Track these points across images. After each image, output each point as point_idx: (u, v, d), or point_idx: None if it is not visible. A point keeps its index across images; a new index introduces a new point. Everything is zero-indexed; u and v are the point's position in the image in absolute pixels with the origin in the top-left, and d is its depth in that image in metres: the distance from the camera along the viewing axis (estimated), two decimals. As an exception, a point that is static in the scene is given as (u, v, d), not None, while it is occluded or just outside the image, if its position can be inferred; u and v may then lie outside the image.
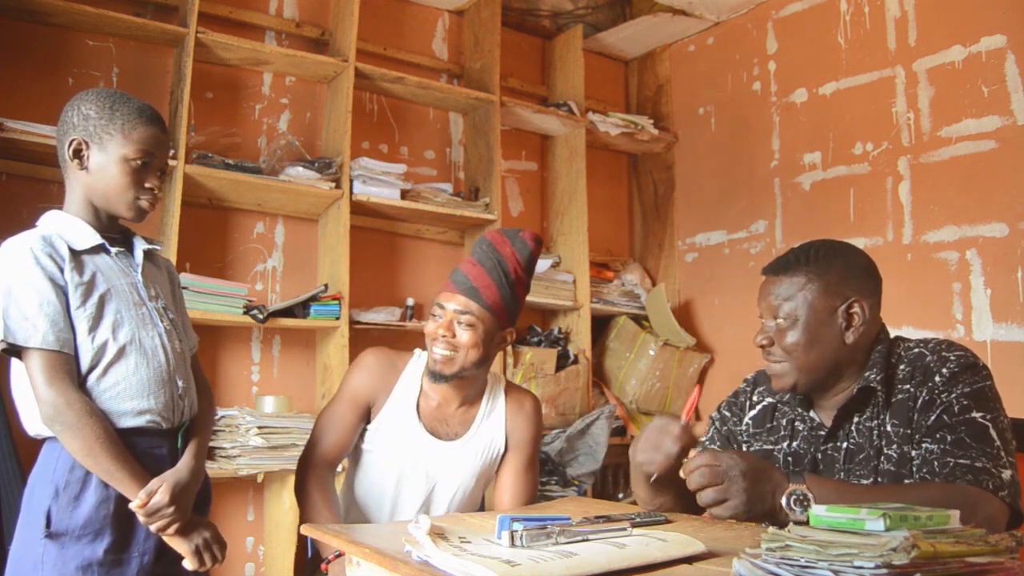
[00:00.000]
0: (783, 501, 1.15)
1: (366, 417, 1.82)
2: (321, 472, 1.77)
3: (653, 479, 1.31)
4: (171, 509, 1.36)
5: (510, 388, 1.91)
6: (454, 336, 1.72)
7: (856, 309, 1.37)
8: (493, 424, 1.85)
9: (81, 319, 1.38)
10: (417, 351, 1.88)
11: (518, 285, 1.77)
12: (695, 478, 1.18)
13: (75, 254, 1.41)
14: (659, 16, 3.61)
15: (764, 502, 1.16)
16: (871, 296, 1.40)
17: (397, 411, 1.80)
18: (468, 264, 1.75)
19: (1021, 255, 2.60)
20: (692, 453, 1.25)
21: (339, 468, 1.90)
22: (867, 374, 1.37)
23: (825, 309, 1.36)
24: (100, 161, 1.44)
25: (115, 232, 1.53)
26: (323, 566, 1.64)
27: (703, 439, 1.63)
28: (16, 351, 1.36)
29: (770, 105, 3.42)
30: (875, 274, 1.43)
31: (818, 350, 1.37)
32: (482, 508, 2.04)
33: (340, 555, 1.62)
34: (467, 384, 1.80)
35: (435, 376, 1.76)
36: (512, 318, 1.78)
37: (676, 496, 1.40)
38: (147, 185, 1.47)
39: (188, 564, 1.42)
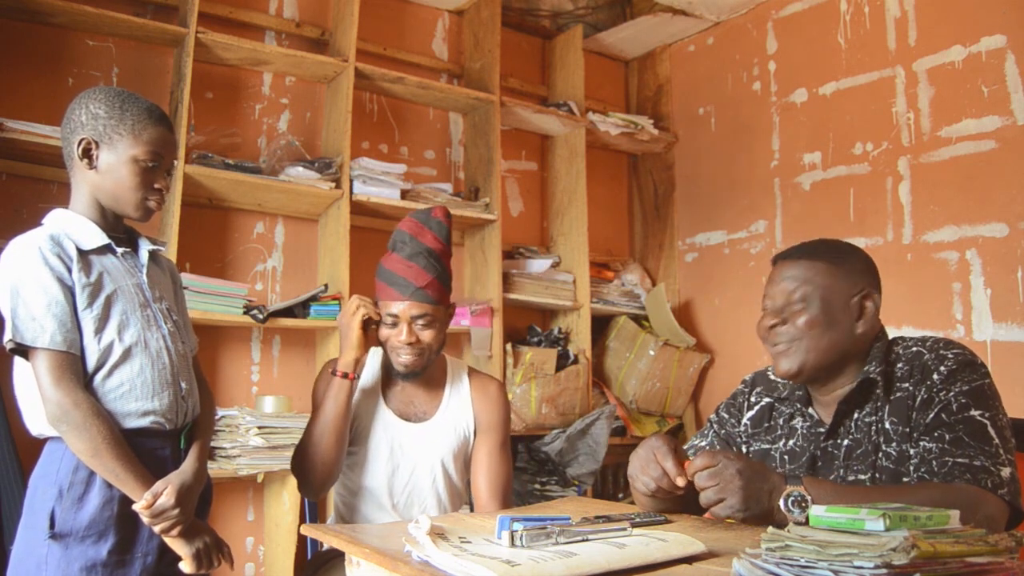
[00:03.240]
0: (781, 503, 1.15)
1: None
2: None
3: (652, 493, 1.31)
4: (176, 511, 1.37)
5: (473, 372, 1.97)
6: (417, 340, 1.77)
7: (869, 302, 1.39)
8: (460, 405, 1.90)
9: (88, 320, 1.38)
10: (373, 349, 1.94)
11: (445, 261, 1.82)
12: (698, 480, 1.19)
13: (82, 254, 1.41)
14: (659, 16, 3.61)
15: (761, 502, 1.16)
16: (879, 295, 1.42)
17: (366, 404, 1.86)
18: (401, 264, 1.77)
19: (1021, 255, 2.60)
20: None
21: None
22: (866, 367, 1.38)
23: (843, 294, 1.37)
24: (110, 161, 1.44)
25: (120, 232, 1.53)
26: (338, 373, 1.77)
27: (701, 444, 1.63)
28: (23, 351, 1.36)
29: (770, 105, 3.43)
30: (879, 277, 1.45)
31: (832, 334, 1.36)
32: (470, 505, 2.06)
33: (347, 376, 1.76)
34: (430, 368, 1.87)
35: (406, 377, 1.83)
36: (450, 292, 1.85)
37: (675, 502, 1.40)
38: (156, 186, 1.47)
39: (185, 567, 1.42)
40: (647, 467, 1.27)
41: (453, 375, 1.94)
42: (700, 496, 1.18)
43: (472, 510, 2.03)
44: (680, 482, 1.22)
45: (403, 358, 1.78)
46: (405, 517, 1.82)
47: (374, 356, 1.93)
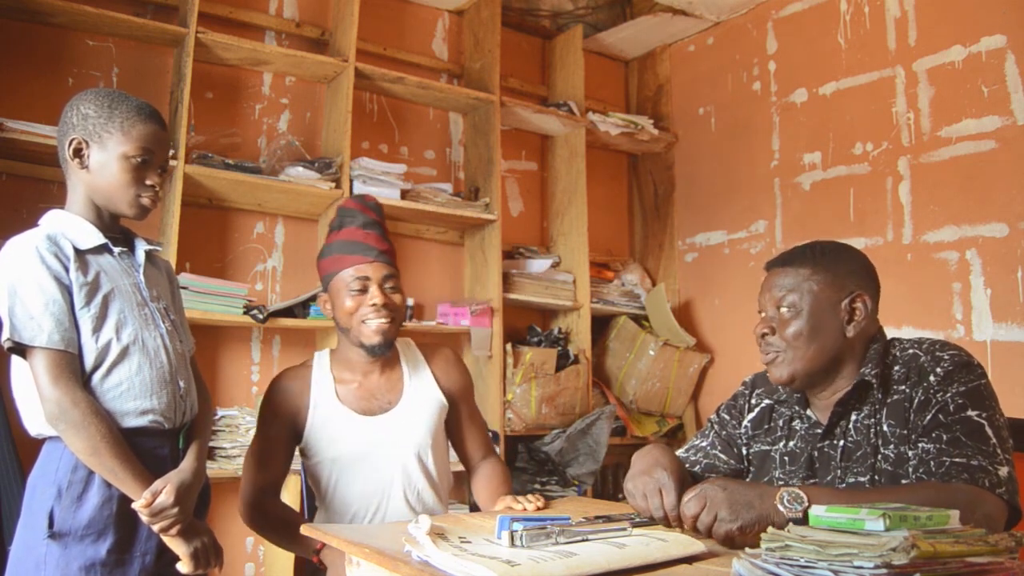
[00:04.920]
0: (777, 501, 1.15)
1: (294, 439, 1.80)
2: (264, 498, 1.78)
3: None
4: (175, 510, 1.37)
5: (423, 346, 1.93)
6: (391, 302, 1.74)
7: (859, 304, 1.39)
8: (423, 382, 1.85)
9: (85, 319, 1.38)
10: (316, 354, 1.88)
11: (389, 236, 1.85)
12: (685, 510, 1.19)
13: (79, 253, 1.41)
14: (659, 16, 3.61)
15: (752, 506, 1.16)
16: (872, 296, 1.42)
17: (324, 412, 1.77)
18: (359, 233, 1.75)
19: (1021, 255, 2.60)
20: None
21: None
22: (863, 369, 1.38)
23: (829, 300, 1.38)
24: (100, 159, 1.44)
25: (117, 232, 1.53)
26: (315, 558, 1.67)
27: (702, 443, 1.63)
28: (21, 350, 1.36)
29: (770, 105, 3.43)
30: (876, 277, 1.45)
31: (820, 341, 1.38)
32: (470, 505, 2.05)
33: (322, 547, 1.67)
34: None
35: (375, 349, 1.74)
36: None
37: None
38: (148, 182, 1.47)
39: (184, 567, 1.41)
40: (649, 498, 1.28)
41: (407, 356, 1.88)
42: (697, 525, 1.17)
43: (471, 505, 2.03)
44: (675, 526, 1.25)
45: (376, 324, 1.71)
46: (399, 509, 1.76)
47: (320, 360, 1.85)
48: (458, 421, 1.90)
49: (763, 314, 1.45)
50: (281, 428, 1.78)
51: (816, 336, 1.37)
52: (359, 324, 1.73)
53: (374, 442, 1.76)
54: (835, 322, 1.38)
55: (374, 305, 1.71)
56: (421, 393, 1.83)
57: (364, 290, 1.72)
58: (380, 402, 1.80)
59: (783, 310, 1.40)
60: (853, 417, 1.39)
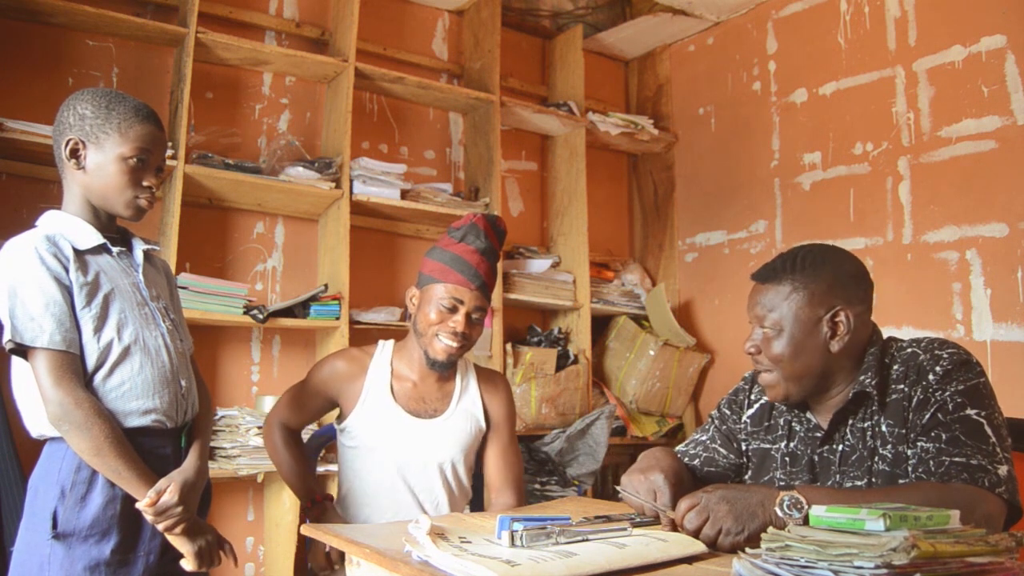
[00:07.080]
0: (776, 508, 1.15)
1: (328, 407, 1.92)
2: (284, 430, 1.94)
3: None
4: (180, 508, 1.37)
5: (477, 368, 1.99)
6: (470, 332, 1.80)
7: (841, 318, 1.36)
8: (471, 401, 1.92)
9: (86, 319, 1.38)
10: (380, 343, 1.94)
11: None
12: (687, 525, 1.19)
13: (78, 254, 1.41)
14: (659, 16, 3.61)
15: (755, 516, 1.16)
16: (859, 303, 1.39)
17: (374, 402, 1.84)
18: (475, 256, 1.80)
19: (1021, 255, 2.60)
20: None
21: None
22: (862, 378, 1.37)
23: (810, 319, 1.37)
24: (97, 160, 1.44)
25: (114, 232, 1.53)
26: (307, 503, 1.81)
27: (702, 438, 1.64)
28: (22, 351, 1.35)
29: (770, 105, 3.43)
30: (864, 279, 1.42)
31: (804, 360, 1.37)
32: (480, 499, 2.06)
33: (318, 500, 1.79)
34: None
35: (436, 365, 1.82)
36: None
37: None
38: (145, 183, 1.47)
39: (188, 565, 1.41)
40: (642, 494, 1.30)
41: (462, 371, 1.95)
42: (700, 537, 1.17)
43: (472, 507, 2.03)
44: (667, 529, 1.26)
45: (446, 344, 1.79)
46: (415, 513, 1.80)
47: (383, 349, 1.91)
48: (492, 448, 1.94)
49: (752, 326, 1.45)
50: (321, 399, 1.90)
51: (799, 356, 1.37)
52: (433, 337, 1.80)
53: (413, 443, 1.83)
54: (817, 340, 1.37)
55: (453, 328, 1.78)
56: (466, 410, 1.90)
57: (454, 310, 1.79)
58: (428, 407, 1.87)
59: (766, 329, 1.40)
60: (850, 421, 1.40)
